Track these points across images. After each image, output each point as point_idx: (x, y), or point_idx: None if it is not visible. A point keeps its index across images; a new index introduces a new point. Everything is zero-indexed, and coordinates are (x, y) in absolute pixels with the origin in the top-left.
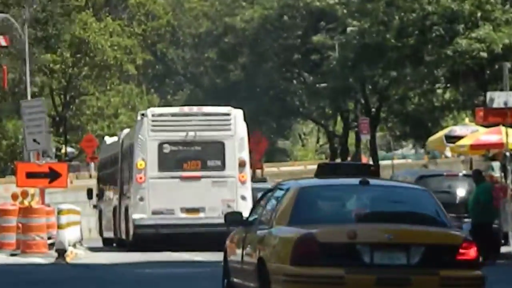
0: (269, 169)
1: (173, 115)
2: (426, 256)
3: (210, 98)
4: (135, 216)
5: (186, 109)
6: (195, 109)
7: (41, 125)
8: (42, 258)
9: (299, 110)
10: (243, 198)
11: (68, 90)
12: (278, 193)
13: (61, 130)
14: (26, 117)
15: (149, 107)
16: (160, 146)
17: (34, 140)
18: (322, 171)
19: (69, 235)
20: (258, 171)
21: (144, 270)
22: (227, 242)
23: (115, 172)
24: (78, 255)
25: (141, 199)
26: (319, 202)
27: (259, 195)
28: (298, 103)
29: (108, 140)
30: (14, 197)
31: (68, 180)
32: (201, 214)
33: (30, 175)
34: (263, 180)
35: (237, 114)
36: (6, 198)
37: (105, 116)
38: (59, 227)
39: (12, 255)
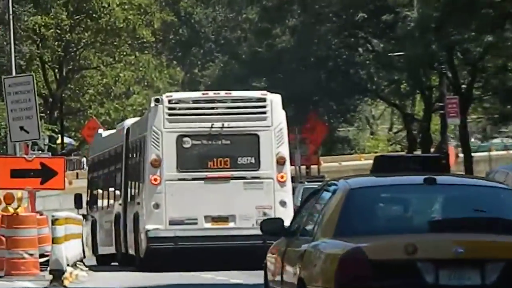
0: (328, 164)
1: (195, 101)
2: (506, 274)
3: (250, 72)
4: (149, 226)
5: (211, 93)
6: (222, 93)
7: (30, 108)
8: (33, 281)
9: (366, 86)
10: (283, 203)
11: (65, 62)
12: (325, 195)
13: (56, 114)
14: (10, 98)
15: (170, 84)
16: (179, 139)
17: (21, 128)
18: (379, 166)
19: (68, 251)
20: (314, 167)
21: None
22: (267, 257)
23: (116, 173)
24: (79, 277)
25: (156, 205)
26: (373, 208)
27: None
28: (365, 78)
29: (104, 133)
30: None
31: (65, 180)
32: (231, 224)
33: (16, 173)
34: (320, 178)
35: (274, 100)
36: None
37: (113, 96)
38: (55, 241)
39: None
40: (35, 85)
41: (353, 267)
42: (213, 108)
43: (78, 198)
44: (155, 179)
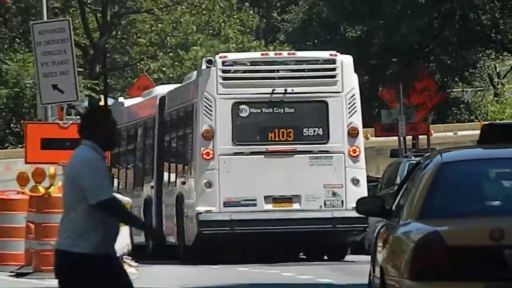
0: (440, 134)
1: (253, 63)
2: None
3: (342, 16)
4: (200, 208)
5: (271, 54)
6: (284, 54)
7: (65, 61)
8: None
9: (490, 36)
10: (355, 181)
11: (110, 4)
12: (420, 170)
13: (97, 69)
14: (40, 48)
15: (242, 32)
16: (235, 107)
17: (54, 87)
18: (488, 136)
19: None
20: (423, 138)
21: None
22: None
23: (145, 151)
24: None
25: (209, 184)
26: (464, 185)
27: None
28: (488, 25)
29: (126, 101)
30: (22, 180)
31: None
32: (295, 206)
33: (47, 144)
34: (430, 151)
35: (346, 61)
36: (7, 182)
37: (169, 47)
38: None
39: (19, 274)
40: (72, 33)
41: (428, 254)
42: (274, 71)
43: None
44: (207, 154)
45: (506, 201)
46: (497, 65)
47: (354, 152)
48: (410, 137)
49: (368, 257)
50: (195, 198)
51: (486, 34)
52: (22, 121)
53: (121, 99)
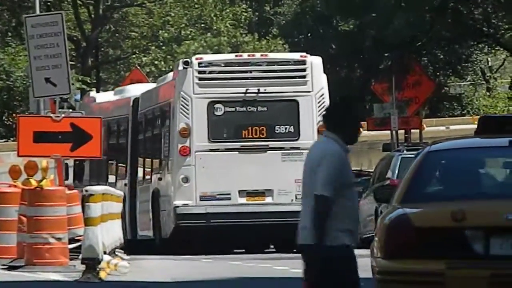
0: (433, 128)
1: (228, 64)
2: None
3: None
4: (177, 202)
5: (245, 56)
6: (257, 55)
7: (58, 55)
8: (60, 273)
9: (482, 30)
10: None
11: None
12: (413, 159)
13: (90, 63)
14: (33, 42)
15: (234, 26)
16: (211, 106)
17: (47, 80)
18: (484, 127)
19: (105, 235)
20: (415, 132)
21: None
22: None
23: (117, 149)
24: (118, 268)
25: (186, 179)
26: (444, 172)
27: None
28: (480, 19)
29: (98, 97)
30: (14, 173)
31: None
32: (268, 199)
33: (40, 137)
34: (422, 145)
35: (315, 62)
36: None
37: (161, 41)
38: (88, 222)
39: (11, 268)
40: (65, 26)
41: (398, 235)
42: (247, 71)
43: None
44: (184, 150)
45: (478, 186)
46: (489, 59)
47: None
48: (403, 131)
49: (355, 251)
50: (172, 193)
51: (479, 28)
52: (14, 114)
53: (92, 93)
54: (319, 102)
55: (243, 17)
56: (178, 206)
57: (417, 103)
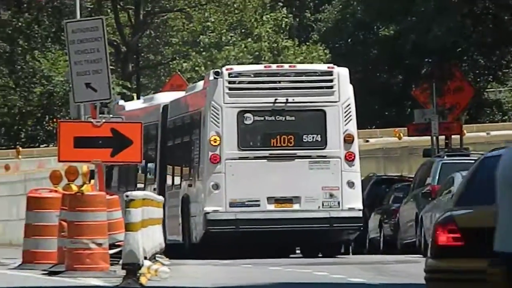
0: (473, 134)
1: (257, 74)
2: None
3: (375, 15)
4: (208, 208)
5: (273, 66)
6: (285, 66)
7: (99, 60)
8: (101, 278)
9: None
10: (351, 184)
11: (143, 2)
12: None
13: (130, 68)
14: (73, 47)
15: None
16: (241, 115)
17: (88, 85)
18: None
19: (145, 240)
20: (456, 137)
21: None
22: None
23: (148, 152)
24: (159, 273)
25: (216, 186)
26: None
27: (457, 175)
28: None
29: (128, 105)
30: (55, 178)
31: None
32: (295, 206)
33: (80, 142)
34: (464, 151)
35: (342, 73)
36: (40, 181)
37: (201, 47)
38: (129, 227)
39: (52, 273)
40: (105, 31)
41: (444, 235)
42: (276, 82)
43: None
44: (215, 158)
45: None
46: None
47: (350, 157)
48: (443, 137)
49: (395, 257)
50: (202, 199)
51: None
52: (54, 119)
53: (121, 101)
54: (345, 112)
55: (283, 22)
56: (208, 212)
57: (458, 109)
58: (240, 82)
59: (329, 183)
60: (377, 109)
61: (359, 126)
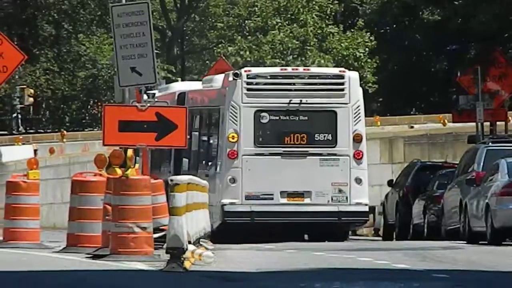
0: None
1: (273, 76)
2: None
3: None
4: (225, 200)
5: (289, 69)
6: (300, 69)
7: (144, 44)
8: (145, 262)
9: None
10: (358, 181)
11: None
12: None
13: (175, 52)
14: (119, 31)
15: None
16: (257, 114)
17: (133, 70)
18: None
19: (190, 225)
20: (500, 124)
21: (314, 283)
22: None
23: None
24: (203, 258)
25: (233, 180)
26: None
27: (502, 162)
28: None
29: (158, 94)
30: (100, 162)
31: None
32: (306, 200)
33: (125, 126)
34: (509, 138)
35: (352, 77)
36: (84, 164)
37: (247, 31)
38: (173, 212)
39: (96, 256)
40: (151, 15)
41: None
42: (291, 84)
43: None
44: (232, 154)
45: None
46: None
47: (358, 155)
48: (488, 123)
49: (439, 243)
50: (220, 192)
51: None
52: (99, 103)
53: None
54: (355, 113)
55: (329, 8)
56: (225, 204)
57: (503, 95)
58: (257, 84)
59: (338, 179)
60: (422, 95)
61: (404, 111)
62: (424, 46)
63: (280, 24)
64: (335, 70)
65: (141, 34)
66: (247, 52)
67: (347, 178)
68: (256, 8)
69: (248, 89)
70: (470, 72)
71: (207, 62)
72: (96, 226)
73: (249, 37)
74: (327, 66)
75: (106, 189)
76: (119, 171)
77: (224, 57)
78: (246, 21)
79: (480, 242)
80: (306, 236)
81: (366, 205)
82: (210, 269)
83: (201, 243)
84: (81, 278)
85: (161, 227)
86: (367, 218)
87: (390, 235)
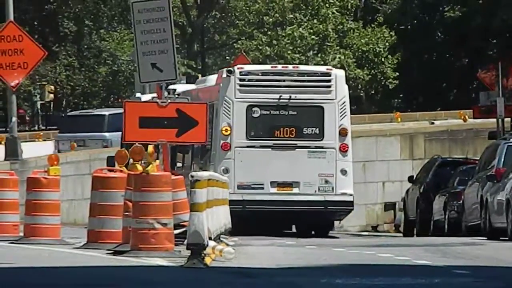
0: None
1: (264, 73)
2: None
3: None
4: None
5: (279, 67)
6: (290, 67)
7: (165, 40)
8: (165, 258)
9: None
10: (343, 172)
11: None
12: None
13: (195, 48)
14: (140, 27)
15: (341, 14)
16: (249, 109)
17: (154, 66)
18: None
19: (210, 221)
20: None
21: (335, 279)
22: None
23: None
24: (224, 254)
25: (226, 170)
26: None
27: None
28: None
29: (143, 97)
30: (120, 158)
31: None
32: (295, 190)
33: (146, 122)
34: None
35: (339, 75)
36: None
37: (266, 26)
38: (194, 208)
39: (117, 252)
40: (171, 12)
41: None
42: (281, 80)
43: (111, 162)
44: (225, 146)
45: None
46: None
47: (344, 148)
48: (509, 119)
49: (460, 239)
50: None
51: None
52: (119, 99)
53: (138, 94)
54: (341, 109)
55: (349, 4)
56: None
57: None
58: (249, 80)
59: (325, 170)
60: (442, 91)
61: (424, 108)
62: (445, 42)
63: (298, 19)
64: (323, 68)
65: (161, 30)
66: (266, 47)
67: (333, 170)
68: (275, 4)
69: (241, 85)
70: (490, 68)
71: (227, 58)
72: (116, 222)
73: (269, 32)
74: (347, 62)
75: (127, 185)
76: (140, 167)
77: (244, 53)
78: (265, 17)
79: (501, 238)
80: (293, 228)
81: (351, 195)
82: (231, 265)
83: (221, 239)
84: (101, 274)
85: (181, 223)
86: (352, 208)
87: (410, 231)
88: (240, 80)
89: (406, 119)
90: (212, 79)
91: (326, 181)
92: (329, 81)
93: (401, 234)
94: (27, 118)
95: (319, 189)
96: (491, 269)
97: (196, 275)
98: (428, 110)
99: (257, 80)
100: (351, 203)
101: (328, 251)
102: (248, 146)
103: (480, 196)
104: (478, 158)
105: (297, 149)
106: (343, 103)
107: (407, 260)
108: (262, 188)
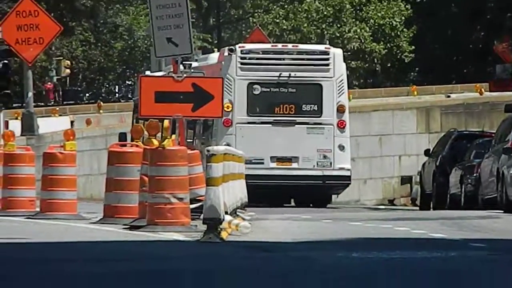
0: None
1: (265, 52)
2: None
3: None
4: None
5: (279, 46)
6: (289, 46)
7: (180, 14)
8: (182, 232)
9: None
10: (341, 147)
11: None
12: None
13: (211, 22)
14: (155, 2)
15: None
16: (250, 86)
17: (169, 40)
18: None
19: (226, 195)
20: None
21: (351, 253)
22: None
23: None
24: (240, 228)
25: (227, 145)
26: None
27: None
28: None
29: (151, 75)
30: (136, 132)
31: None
32: (294, 165)
33: (161, 97)
34: None
35: (337, 53)
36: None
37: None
38: (210, 182)
39: (133, 227)
40: None
41: None
42: (281, 59)
43: (123, 137)
44: (227, 122)
45: None
46: None
47: (341, 125)
48: None
49: (476, 212)
50: None
51: None
52: (135, 74)
53: (147, 72)
54: (339, 86)
55: None
56: None
57: None
58: (250, 58)
59: (323, 146)
60: (458, 64)
61: (440, 81)
62: (461, 15)
63: None
64: (321, 47)
65: (177, 4)
66: (284, 21)
67: (331, 145)
68: None
69: (242, 63)
70: (507, 41)
71: (243, 32)
72: (133, 197)
73: (286, 6)
74: (363, 35)
75: (143, 160)
76: (155, 142)
77: (260, 28)
78: None
79: None
80: (292, 202)
81: (348, 170)
82: (247, 239)
83: (237, 213)
84: (118, 249)
85: (198, 198)
86: (349, 182)
87: (427, 204)
88: (241, 58)
89: (422, 92)
90: (213, 57)
91: (324, 156)
92: (327, 59)
93: (417, 208)
94: (54, 93)
95: (317, 164)
96: (507, 242)
97: (212, 249)
98: (444, 84)
99: (257, 59)
100: (348, 178)
101: (344, 225)
102: (249, 122)
103: (497, 169)
104: (494, 131)
105: (296, 125)
106: (341, 81)
107: (424, 234)
108: (262, 163)
